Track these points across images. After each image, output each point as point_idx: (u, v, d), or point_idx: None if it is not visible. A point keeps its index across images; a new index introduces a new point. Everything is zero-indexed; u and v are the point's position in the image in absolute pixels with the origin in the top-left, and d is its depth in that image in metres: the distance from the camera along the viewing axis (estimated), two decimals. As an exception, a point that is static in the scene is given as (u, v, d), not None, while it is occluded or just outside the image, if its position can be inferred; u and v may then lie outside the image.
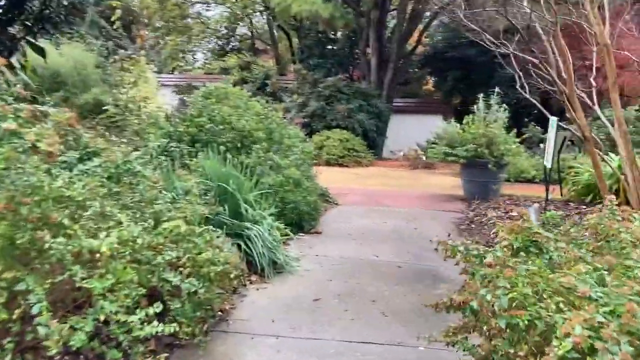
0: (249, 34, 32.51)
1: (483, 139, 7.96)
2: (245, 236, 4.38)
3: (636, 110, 13.85)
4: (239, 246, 4.33)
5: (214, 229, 3.80)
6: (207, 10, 29.98)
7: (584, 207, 6.74)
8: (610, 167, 5.90)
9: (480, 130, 7.96)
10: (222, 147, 6.27)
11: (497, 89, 8.54)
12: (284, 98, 18.80)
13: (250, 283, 4.17)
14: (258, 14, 28.33)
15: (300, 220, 5.90)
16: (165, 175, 4.50)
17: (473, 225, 6.24)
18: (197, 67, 35.91)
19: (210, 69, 27.59)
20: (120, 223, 2.68)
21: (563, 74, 5.49)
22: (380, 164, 14.31)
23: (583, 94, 5.83)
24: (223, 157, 5.92)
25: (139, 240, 2.63)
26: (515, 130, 8.89)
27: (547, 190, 7.54)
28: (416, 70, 25.28)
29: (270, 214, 4.83)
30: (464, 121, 8.53)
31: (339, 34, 24.10)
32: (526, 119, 19.60)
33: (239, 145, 6.54)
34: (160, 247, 2.80)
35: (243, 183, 4.79)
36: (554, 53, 4.74)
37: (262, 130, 6.80)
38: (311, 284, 4.17)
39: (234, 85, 18.62)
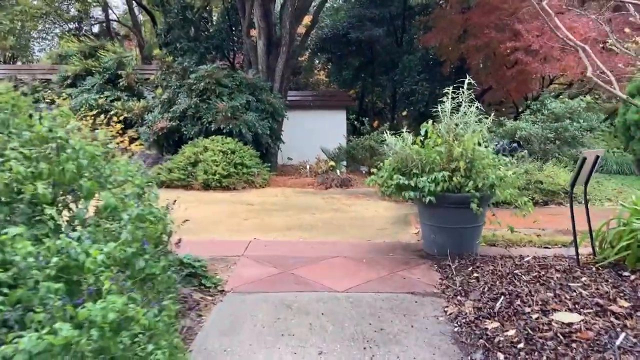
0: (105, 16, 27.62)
1: (460, 161, 5.03)
2: None
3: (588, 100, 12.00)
4: None
5: None
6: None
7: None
8: None
9: (457, 148, 5.00)
10: None
11: (468, 78, 5.65)
12: (146, 93, 14.88)
13: None
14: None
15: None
16: None
17: (500, 356, 3.22)
18: (45, 57, 30.06)
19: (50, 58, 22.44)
20: None
21: None
22: (280, 181, 11.06)
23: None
24: None
25: None
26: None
27: (576, 248, 4.76)
28: (308, 56, 22.39)
29: None
30: (421, 130, 5.55)
31: (214, 12, 20.49)
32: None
33: (-13, 217, 2.95)
34: None
35: None
36: None
37: (48, 179, 3.24)
38: None
39: (75, 77, 14.35)
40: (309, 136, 14.96)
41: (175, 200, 3.95)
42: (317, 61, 23.95)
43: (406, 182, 5.17)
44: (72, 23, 28.32)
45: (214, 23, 19.09)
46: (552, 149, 11.41)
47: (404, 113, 18.52)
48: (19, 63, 28.35)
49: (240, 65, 18.76)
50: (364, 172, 11.20)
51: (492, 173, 5.02)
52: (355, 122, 13.11)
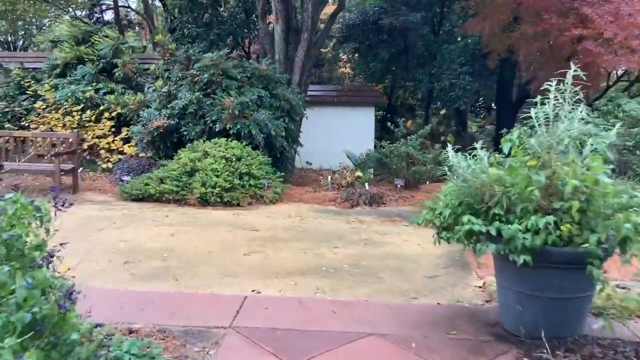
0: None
1: (572, 200, 3.22)
2: None
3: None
4: None
5: None
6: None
7: None
8: None
9: (572, 180, 3.21)
10: None
11: (573, 68, 3.85)
12: (147, 86, 13.28)
13: None
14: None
15: None
16: None
17: None
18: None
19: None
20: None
21: None
22: (295, 195, 9.31)
23: None
24: None
25: None
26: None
27: None
28: (333, 47, 20.56)
29: None
30: (503, 142, 3.76)
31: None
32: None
33: None
34: None
35: None
36: None
37: None
38: None
39: (65, 66, 12.80)
40: (331, 137, 13.23)
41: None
42: (341, 52, 22.11)
43: (483, 229, 3.38)
44: (82, 10, 27.14)
45: (227, 5, 17.41)
46: (630, 161, 9.46)
47: (442, 111, 16.59)
48: (30, 51, 27.23)
49: (257, 56, 17.09)
50: (398, 186, 9.41)
51: (625, 219, 3.20)
52: (389, 123, 11.28)
